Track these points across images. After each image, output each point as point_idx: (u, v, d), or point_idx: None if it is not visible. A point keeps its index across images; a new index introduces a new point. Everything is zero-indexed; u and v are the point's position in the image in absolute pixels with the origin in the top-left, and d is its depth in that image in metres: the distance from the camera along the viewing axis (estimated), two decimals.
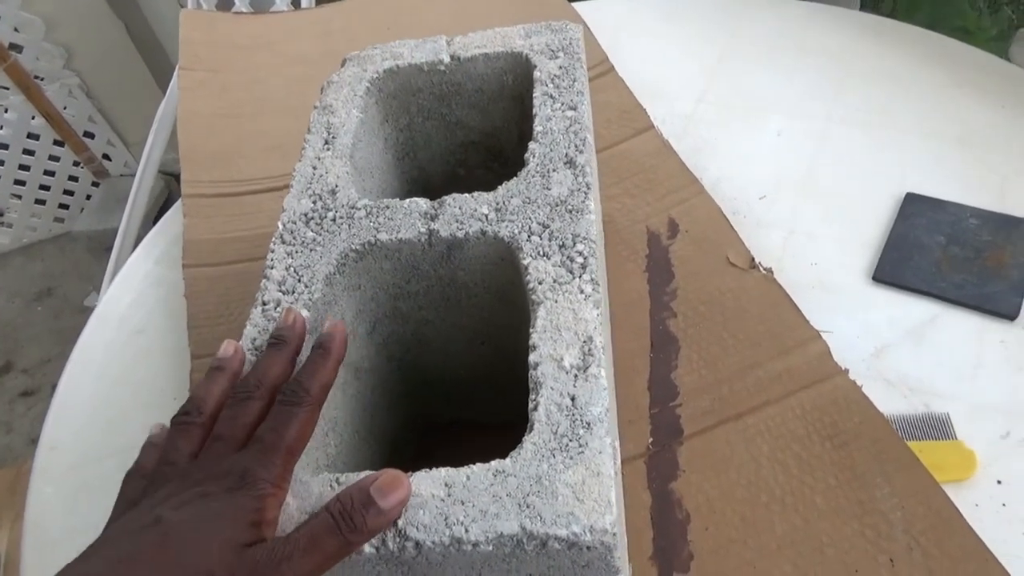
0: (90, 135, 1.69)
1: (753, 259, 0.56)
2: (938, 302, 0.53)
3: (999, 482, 0.44)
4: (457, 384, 0.49)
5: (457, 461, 0.31)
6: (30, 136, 1.63)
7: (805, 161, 0.64)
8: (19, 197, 1.71)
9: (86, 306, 1.68)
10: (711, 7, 0.82)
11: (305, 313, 0.37)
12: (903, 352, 0.51)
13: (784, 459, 0.46)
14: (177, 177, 1.61)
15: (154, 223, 0.78)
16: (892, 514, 0.43)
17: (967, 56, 0.70)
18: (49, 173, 1.71)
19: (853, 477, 0.44)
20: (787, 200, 0.62)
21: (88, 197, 1.79)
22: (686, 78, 0.74)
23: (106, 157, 1.74)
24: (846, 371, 0.49)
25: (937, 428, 0.47)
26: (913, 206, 0.58)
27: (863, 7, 0.97)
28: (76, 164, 1.72)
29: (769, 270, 0.55)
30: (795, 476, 0.45)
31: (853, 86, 0.70)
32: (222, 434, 0.31)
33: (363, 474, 0.30)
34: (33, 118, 1.59)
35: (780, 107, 0.69)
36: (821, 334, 0.51)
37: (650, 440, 0.49)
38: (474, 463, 0.31)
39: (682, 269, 0.57)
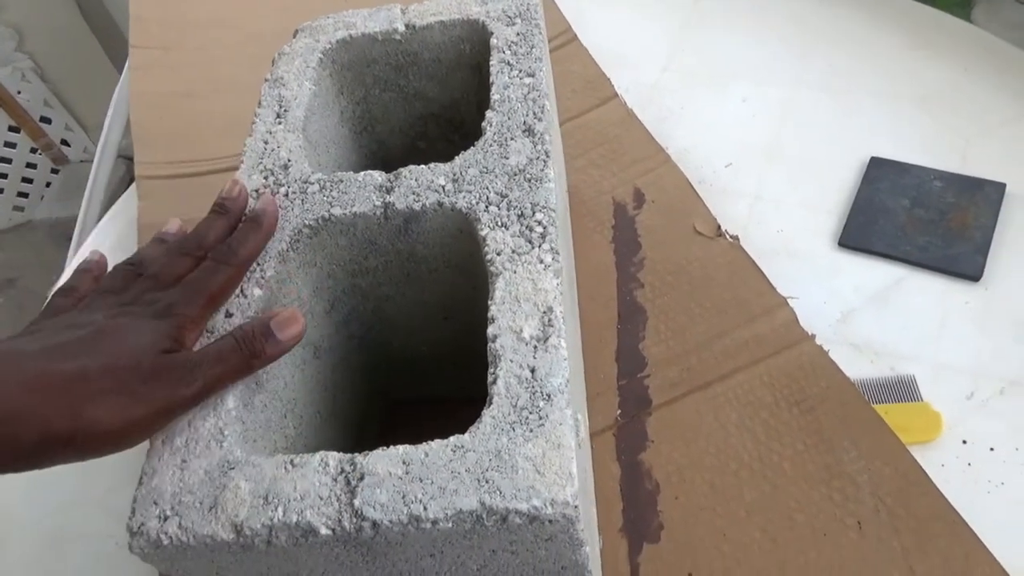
0: (47, 120, 1.64)
1: (719, 227, 0.56)
2: (903, 265, 0.53)
3: (964, 442, 0.44)
4: (420, 361, 0.48)
5: (421, 438, 0.30)
6: None
7: (770, 128, 0.64)
8: None
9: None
10: None
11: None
12: (869, 316, 0.51)
13: (752, 426, 0.46)
14: None
15: None
16: (859, 477, 0.43)
17: (930, 19, 0.70)
18: (5, 160, 1.66)
19: (820, 441, 0.44)
20: (753, 167, 0.61)
21: (48, 184, 1.74)
22: (650, 47, 0.73)
23: (64, 143, 1.69)
24: (813, 337, 0.49)
25: (903, 390, 0.47)
26: (877, 170, 0.58)
27: None
28: (34, 151, 1.67)
29: (735, 238, 0.55)
30: (763, 443, 0.45)
31: (817, 51, 0.69)
32: (154, 274, 0.36)
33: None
34: None
35: (745, 74, 0.69)
36: (787, 300, 0.51)
37: (618, 412, 0.48)
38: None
39: (649, 239, 0.57)
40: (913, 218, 0.54)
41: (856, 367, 0.48)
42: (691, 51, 0.72)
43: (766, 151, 0.62)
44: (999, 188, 0.55)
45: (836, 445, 0.44)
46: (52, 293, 0.36)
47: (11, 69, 1.53)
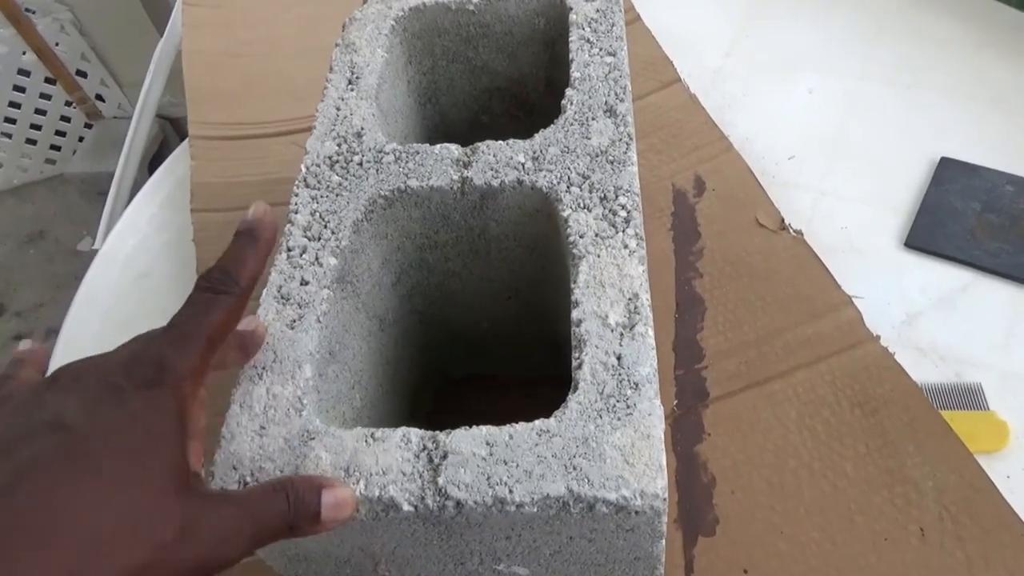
0: (83, 74, 1.64)
1: (783, 220, 0.54)
2: (971, 270, 0.51)
3: None
4: (478, 338, 0.47)
5: (475, 417, 0.30)
6: (21, 72, 1.58)
7: (836, 121, 0.62)
8: (9, 136, 1.66)
9: (79, 251, 1.65)
10: None
11: (332, 261, 0.35)
12: (935, 320, 0.50)
13: (813, 425, 0.45)
14: (172, 121, 1.58)
15: (149, 168, 0.75)
16: (923, 483, 0.42)
17: (1005, 18, 0.68)
18: (40, 112, 1.66)
19: (884, 444, 0.44)
20: (817, 161, 0.60)
21: (81, 139, 1.74)
22: (713, 31, 0.72)
23: (99, 98, 1.69)
24: (878, 338, 0.48)
25: (969, 398, 0.46)
26: (947, 171, 0.57)
27: None
28: (68, 104, 1.67)
29: (799, 232, 0.54)
30: (824, 443, 0.44)
31: (886, 44, 0.68)
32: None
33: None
34: (24, 53, 1.54)
35: (811, 64, 0.67)
36: (852, 299, 0.50)
37: (675, 402, 0.48)
38: (494, 420, 0.29)
39: (708, 228, 0.56)
40: (983, 222, 0.53)
41: (920, 371, 0.47)
42: (756, 38, 0.70)
43: (831, 145, 0.61)
44: None
45: (900, 449, 0.43)
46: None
47: (51, 20, 1.52)
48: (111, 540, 0.20)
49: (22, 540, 0.19)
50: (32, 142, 1.70)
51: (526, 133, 0.40)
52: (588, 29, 0.44)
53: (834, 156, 0.60)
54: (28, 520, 0.19)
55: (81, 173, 1.73)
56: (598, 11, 0.45)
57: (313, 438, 0.30)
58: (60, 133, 1.72)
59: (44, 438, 0.21)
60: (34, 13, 1.50)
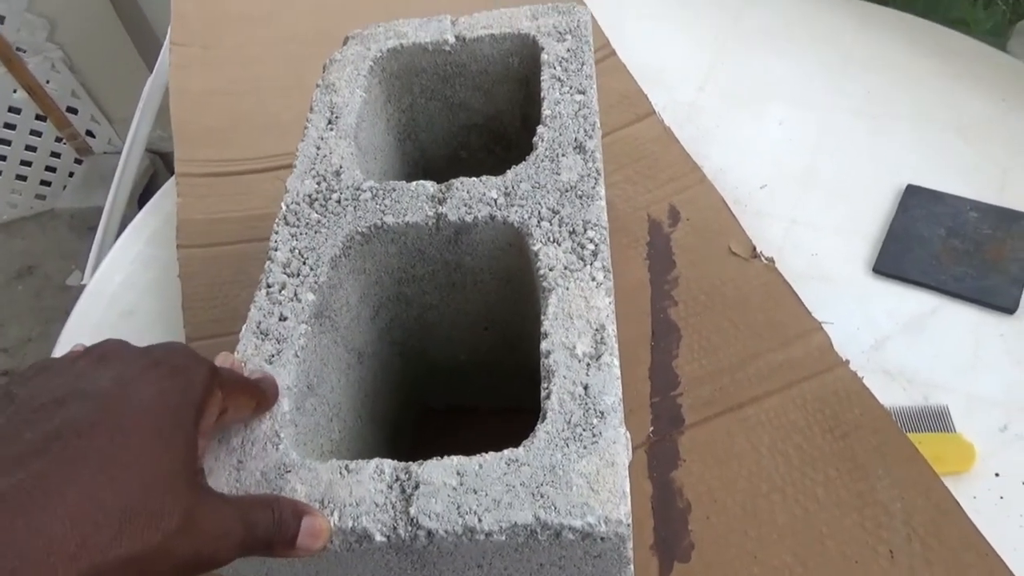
0: (73, 111, 1.66)
1: (755, 248, 0.56)
2: (938, 294, 0.53)
3: (997, 475, 0.44)
4: (457, 369, 0.48)
5: (455, 448, 0.31)
6: (11, 110, 1.60)
7: (806, 151, 0.64)
8: None
9: (68, 285, 1.65)
10: None
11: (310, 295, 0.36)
12: (902, 344, 0.51)
13: (785, 450, 0.46)
14: (162, 155, 1.59)
15: (139, 202, 0.76)
16: (892, 505, 0.43)
17: (968, 48, 0.70)
18: (31, 148, 1.67)
19: (853, 468, 0.45)
20: (788, 190, 0.62)
21: (71, 174, 1.75)
22: (688, 65, 0.74)
23: (89, 134, 1.71)
24: (847, 363, 0.49)
25: (936, 420, 0.47)
26: (914, 198, 0.58)
27: None
28: (59, 140, 1.69)
29: (771, 260, 0.55)
30: (796, 467, 0.45)
31: (855, 76, 0.70)
32: None
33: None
34: (15, 91, 1.56)
35: (782, 96, 0.69)
36: (822, 325, 0.51)
37: (651, 429, 0.49)
38: (473, 450, 0.30)
39: (683, 257, 0.57)
40: (948, 248, 0.55)
41: (889, 395, 0.48)
42: (729, 71, 0.73)
43: (802, 174, 0.63)
44: None
45: (869, 472, 0.44)
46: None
47: (41, 58, 1.54)
48: (122, 521, 0.20)
49: (36, 505, 0.19)
50: (22, 178, 1.71)
51: (504, 167, 0.41)
52: (559, 68, 0.46)
53: (804, 186, 0.62)
54: (48, 485, 0.19)
55: (71, 208, 1.74)
56: (568, 51, 0.47)
57: (289, 471, 0.30)
58: (50, 169, 1.73)
59: (77, 405, 0.22)
60: (25, 52, 1.52)
